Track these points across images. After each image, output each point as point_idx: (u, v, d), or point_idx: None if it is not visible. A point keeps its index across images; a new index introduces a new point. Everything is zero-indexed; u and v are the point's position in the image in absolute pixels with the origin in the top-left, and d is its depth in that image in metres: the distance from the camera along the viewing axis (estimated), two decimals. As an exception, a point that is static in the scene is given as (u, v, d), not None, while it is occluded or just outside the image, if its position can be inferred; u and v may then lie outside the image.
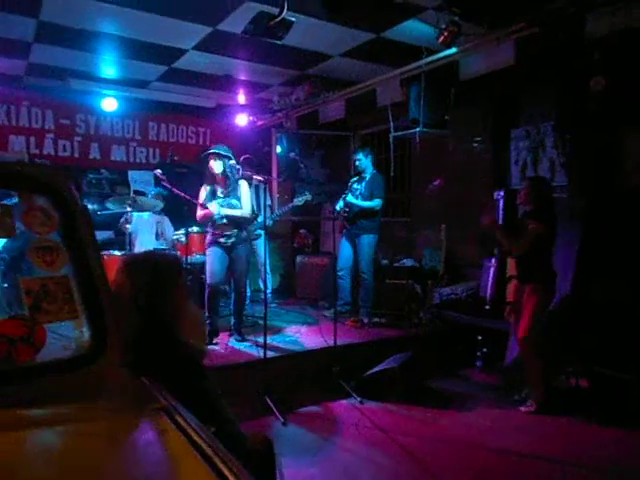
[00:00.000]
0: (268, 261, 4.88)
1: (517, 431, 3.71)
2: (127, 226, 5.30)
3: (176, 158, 6.74)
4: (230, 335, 5.00)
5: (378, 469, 3.25)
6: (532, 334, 3.94)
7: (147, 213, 5.78)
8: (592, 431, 3.69)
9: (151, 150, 7.46)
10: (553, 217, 3.97)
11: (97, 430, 1.19)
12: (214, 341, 4.78)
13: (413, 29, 4.77)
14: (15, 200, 1.45)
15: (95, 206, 6.55)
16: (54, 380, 1.30)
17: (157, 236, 5.78)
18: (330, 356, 4.49)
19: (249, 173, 5.06)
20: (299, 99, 6.74)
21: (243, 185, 4.86)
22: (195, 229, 5.62)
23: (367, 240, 5.62)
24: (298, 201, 5.96)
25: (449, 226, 6.10)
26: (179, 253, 5.41)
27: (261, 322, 4.81)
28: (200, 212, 4.84)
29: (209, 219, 4.78)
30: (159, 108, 7.29)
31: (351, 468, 3.24)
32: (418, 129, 5.28)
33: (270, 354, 4.27)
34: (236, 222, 4.75)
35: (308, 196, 5.96)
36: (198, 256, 5.48)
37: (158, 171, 5.30)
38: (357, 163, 5.78)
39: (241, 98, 7.16)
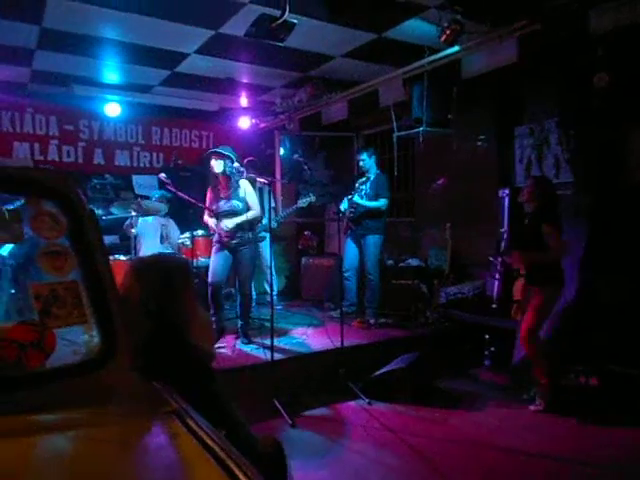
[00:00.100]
0: (273, 263, 4.89)
1: (526, 430, 3.69)
2: (132, 230, 5.31)
3: (180, 162, 6.76)
4: (237, 338, 5.00)
5: (388, 470, 3.24)
6: (537, 332, 3.91)
7: (151, 217, 5.79)
8: (602, 430, 3.66)
9: (155, 154, 7.48)
10: (557, 216, 3.95)
11: (108, 435, 1.18)
12: (220, 341, 4.78)
13: (415, 28, 4.76)
14: (17, 204, 1.45)
15: (100, 211, 6.54)
16: (64, 385, 1.29)
17: (162, 239, 5.78)
18: (337, 357, 4.47)
19: (253, 175, 5.07)
20: (302, 101, 6.74)
21: (246, 185, 4.86)
22: (200, 233, 5.62)
23: (373, 240, 5.61)
24: (302, 203, 5.96)
25: (454, 225, 6.08)
26: (184, 257, 5.42)
27: (267, 324, 4.81)
28: (208, 222, 4.91)
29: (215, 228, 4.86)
30: (162, 112, 7.30)
31: (361, 470, 3.22)
32: (421, 128, 5.26)
33: (277, 356, 4.26)
34: (239, 225, 4.77)
35: (312, 198, 5.96)
36: (203, 260, 5.49)
37: (162, 175, 5.31)
38: (361, 164, 5.79)
39: (243, 101, 7.16)
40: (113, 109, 6.79)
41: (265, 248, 5.93)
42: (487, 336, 4.97)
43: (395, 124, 5.67)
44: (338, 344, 4.51)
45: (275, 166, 7.81)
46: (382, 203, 5.60)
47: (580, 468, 3.17)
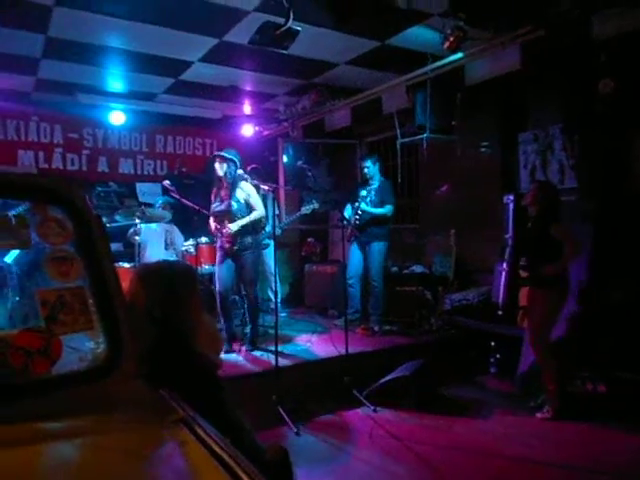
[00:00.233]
0: (277, 270, 4.90)
1: (533, 438, 3.66)
2: (136, 237, 5.31)
3: (184, 170, 6.77)
4: (242, 344, 4.99)
5: (393, 478, 3.21)
6: (546, 335, 3.89)
7: (155, 224, 5.80)
8: (611, 437, 3.63)
9: (158, 162, 7.51)
10: (558, 221, 3.93)
11: (115, 443, 1.17)
12: (232, 348, 4.80)
13: (418, 35, 4.78)
14: (20, 209, 1.44)
15: (104, 219, 6.56)
16: (70, 393, 1.28)
17: (166, 246, 5.78)
18: (342, 365, 4.45)
19: (257, 182, 5.07)
20: (305, 108, 6.76)
21: (249, 188, 4.86)
22: (204, 240, 5.62)
23: (377, 247, 5.60)
24: (306, 210, 5.96)
25: (459, 231, 6.07)
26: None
27: (271, 331, 4.79)
28: (211, 225, 4.94)
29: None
30: (166, 120, 7.34)
31: (366, 477, 3.20)
32: (425, 135, 5.27)
33: (282, 363, 4.25)
34: (243, 227, 4.76)
35: (315, 204, 5.96)
36: (207, 267, 5.49)
37: (167, 182, 5.34)
38: (365, 171, 5.78)
39: (247, 108, 7.18)
40: (117, 117, 6.83)
41: (269, 255, 5.93)
42: (493, 343, 4.94)
43: (399, 131, 5.68)
44: (343, 351, 4.49)
45: (279, 173, 7.82)
46: (388, 209, 5.60)
47: (588, 476, 3.13)
